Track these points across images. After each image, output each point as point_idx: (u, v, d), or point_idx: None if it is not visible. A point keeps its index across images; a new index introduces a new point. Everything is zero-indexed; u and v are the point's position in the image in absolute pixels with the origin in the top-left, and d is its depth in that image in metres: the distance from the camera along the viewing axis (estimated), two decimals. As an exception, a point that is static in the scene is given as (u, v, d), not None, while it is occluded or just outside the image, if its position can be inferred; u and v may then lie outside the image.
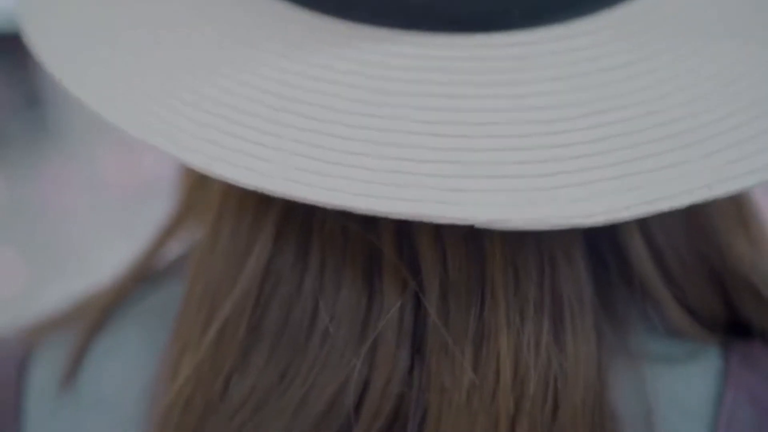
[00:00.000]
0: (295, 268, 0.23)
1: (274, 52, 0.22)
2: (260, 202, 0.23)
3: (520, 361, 0.22)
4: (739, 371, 0.26)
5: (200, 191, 0.28)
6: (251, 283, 0.23)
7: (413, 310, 0.23)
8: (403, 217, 0.20)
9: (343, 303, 0.23)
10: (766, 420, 0.25)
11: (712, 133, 0.21)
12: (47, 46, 0.24)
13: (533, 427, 0.22)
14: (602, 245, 0.25)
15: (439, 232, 0.22)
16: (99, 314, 0.29)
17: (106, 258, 3.22)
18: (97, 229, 4.83)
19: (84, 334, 0.28)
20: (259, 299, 0.23)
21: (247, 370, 0.23)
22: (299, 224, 0.23)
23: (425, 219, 0.20)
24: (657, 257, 0.25)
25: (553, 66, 0.22)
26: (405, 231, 0.23)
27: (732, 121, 0.21)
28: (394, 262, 0.23)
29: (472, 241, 0.22)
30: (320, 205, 0.20)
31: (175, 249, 0.30)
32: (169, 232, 0.30)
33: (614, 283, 0.25)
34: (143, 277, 0.30)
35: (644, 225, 0.25)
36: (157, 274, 0.30)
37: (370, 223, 0.22)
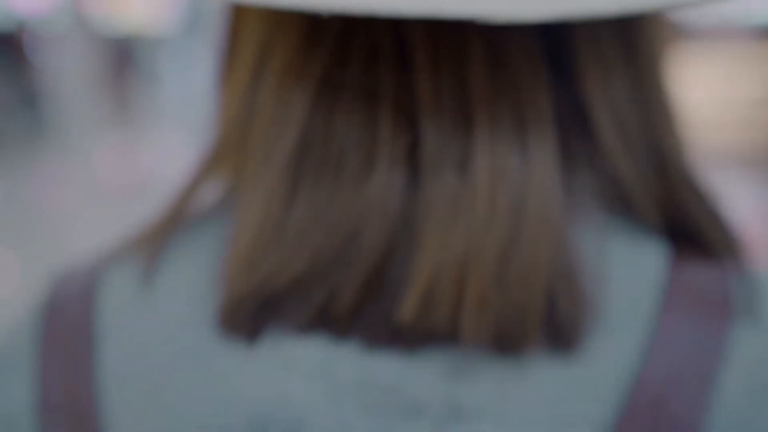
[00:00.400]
0: (321, 113, 0.28)
1: None
2: (296, 74, 0.28)
3: (494, 178, 0.26)
4: (683, 256, 0.29)
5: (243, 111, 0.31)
6: (293, 136, 0.28)
7: (410, 142, 0.27)
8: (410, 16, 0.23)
9: (355, 137, 0.27)
10: (700, 305, 0.28)
11: None
12: None
13: (503, 237, 0.26)
14: (569, 114, 0.28)
15: (435, 43, 0.26)
16: (163, 229, 0.32)
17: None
18: (92, 228, 4.89)
19: (152, 247, 0.32)
20: (297, 154, 0.28)
21: (295, 205, 0.27)
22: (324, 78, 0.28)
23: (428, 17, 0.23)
24: (619, 131, 0.29)
25: None
26: (405, 55, 0.27)
27: None
28: (393, 94, 0.27)
29: (458, 68, 0.26)
30: (345, 12, 0.23)
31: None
32: (215, 159, 0.32)
33: (578, 155, 0.28)
34: (192, 203, 0.33)
35: (607, 99, 0.28)
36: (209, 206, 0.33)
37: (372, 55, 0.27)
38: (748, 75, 9.00)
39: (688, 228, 0.30)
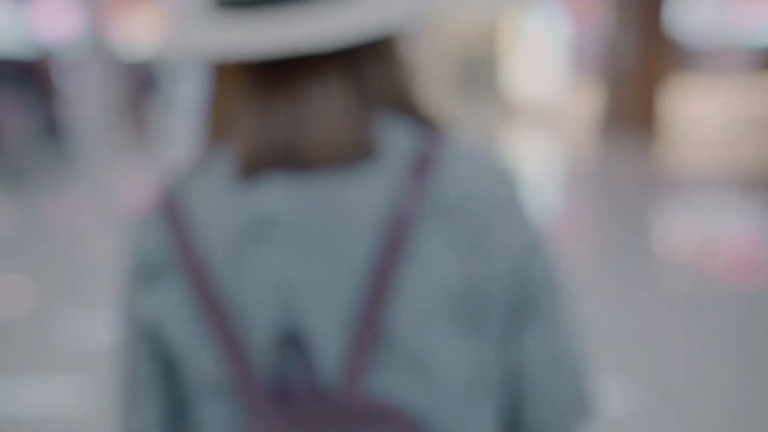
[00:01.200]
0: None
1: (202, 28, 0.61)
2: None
3: (325, 101, 0.60)
4: (434, 137, 0.62)
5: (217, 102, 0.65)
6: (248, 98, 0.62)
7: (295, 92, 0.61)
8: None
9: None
10: (431, 147, 0.61)
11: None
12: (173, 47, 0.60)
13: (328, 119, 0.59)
14: (370, 74, 0.62)
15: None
16: (197, 165, 0.65)
17: (116, 281, 3.32)
18: (108, 253, 4.94)
19: (201, 161, 0.64)
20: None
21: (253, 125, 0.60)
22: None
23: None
24: (388, 81, 0.63)
25: None
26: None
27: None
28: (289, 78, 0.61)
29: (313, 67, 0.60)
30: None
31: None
32: (215, 114, 0.65)
33: (374, 92, 0.62)
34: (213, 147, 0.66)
35: (380, 66, 0.62)
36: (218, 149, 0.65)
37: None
38: (751, 98, 9.05)
39: (427, 120, 0.65)
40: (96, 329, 3.53)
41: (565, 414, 0.63)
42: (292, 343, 0.58)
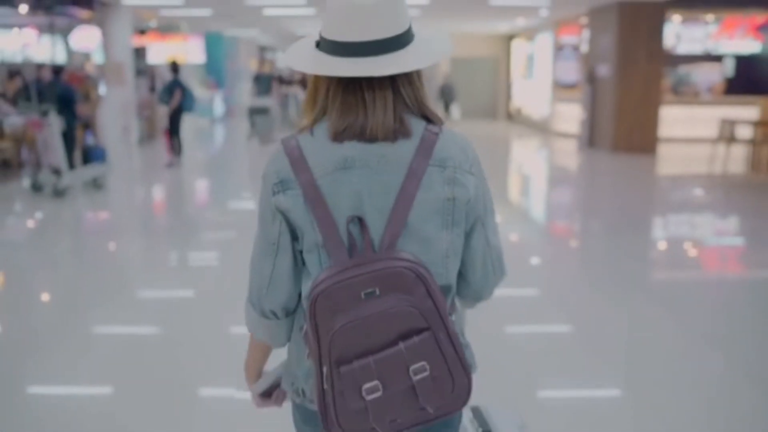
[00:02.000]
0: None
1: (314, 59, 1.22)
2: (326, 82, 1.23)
3: (379, 104, 1.19)
4: (434, 127, 1.22)
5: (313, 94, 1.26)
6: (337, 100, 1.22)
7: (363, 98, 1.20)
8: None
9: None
10: (430, 137, 1.21)
11: (425, 52, 1.21)
12: (290, 62, 1.25)
13: (383, 116, 1.19)
14: (403, 90, 1.20)
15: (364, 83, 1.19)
16: (307, 125, 1.24)
17: (150, 286, 4.72)
18: (140, 263, 5.59)
19: (305, 129, 1.23)
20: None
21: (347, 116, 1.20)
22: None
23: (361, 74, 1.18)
24: (413, 98, 1.22)
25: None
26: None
27: (432, 51, 1.22)
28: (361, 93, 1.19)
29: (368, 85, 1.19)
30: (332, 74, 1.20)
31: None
32: (309, 111, 1.26)
33: (408, 104, 1.21)
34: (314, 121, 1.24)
35: (408, 86, 1.22)
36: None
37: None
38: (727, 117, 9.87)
39: (431, 117, 1.23)
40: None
41: (493, 273, 1.30)
42: (358, 224, 1.16)
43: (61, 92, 8.23)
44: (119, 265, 5.52)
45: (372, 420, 1.13)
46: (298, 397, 1.29)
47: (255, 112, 13.66)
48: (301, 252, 1.23)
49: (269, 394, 1.40)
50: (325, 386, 1.13)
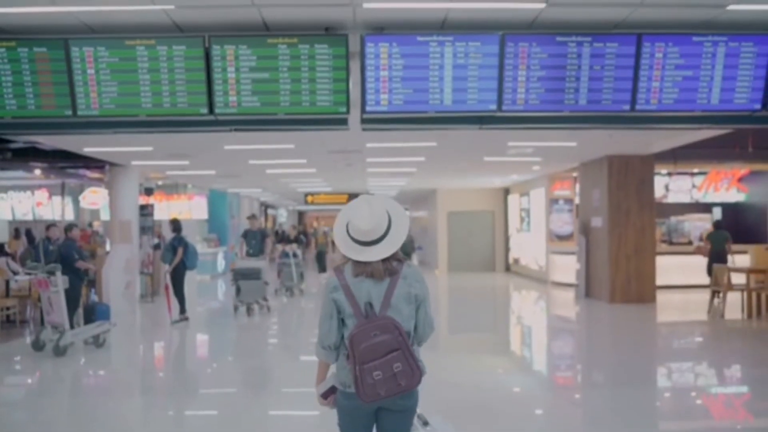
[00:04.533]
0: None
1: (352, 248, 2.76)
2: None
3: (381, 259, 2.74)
4: (403, 264, 2.76)
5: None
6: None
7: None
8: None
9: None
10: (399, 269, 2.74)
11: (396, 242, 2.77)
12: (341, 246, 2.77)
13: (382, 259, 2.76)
14: (391, 257, 2.73)
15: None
16: (339, 265, 2.78)
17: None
18: (136, 425, 5.48)
19: (342, 264, 2.78)
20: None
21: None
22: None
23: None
24: (396, 254, 2.76)
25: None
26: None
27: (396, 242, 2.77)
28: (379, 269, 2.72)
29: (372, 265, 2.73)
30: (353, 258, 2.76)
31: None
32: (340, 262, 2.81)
33: (389, 259, 2.73)
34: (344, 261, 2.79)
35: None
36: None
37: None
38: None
39: (402, 260, 2.77)
40: None
41: (430, 328, 2.79)
42: (369, 306, 2.64)
43: (63, 250, 8.53)
44: (112, 427, 5.47)
45: (378, 389, 2.55)
46: (343, 386, 2.70)
47: (241, 276, 11.65)
48: (342, 319, 2.68)
49: (326, 396, 2.77)
50: (357, 374, 2.55)
